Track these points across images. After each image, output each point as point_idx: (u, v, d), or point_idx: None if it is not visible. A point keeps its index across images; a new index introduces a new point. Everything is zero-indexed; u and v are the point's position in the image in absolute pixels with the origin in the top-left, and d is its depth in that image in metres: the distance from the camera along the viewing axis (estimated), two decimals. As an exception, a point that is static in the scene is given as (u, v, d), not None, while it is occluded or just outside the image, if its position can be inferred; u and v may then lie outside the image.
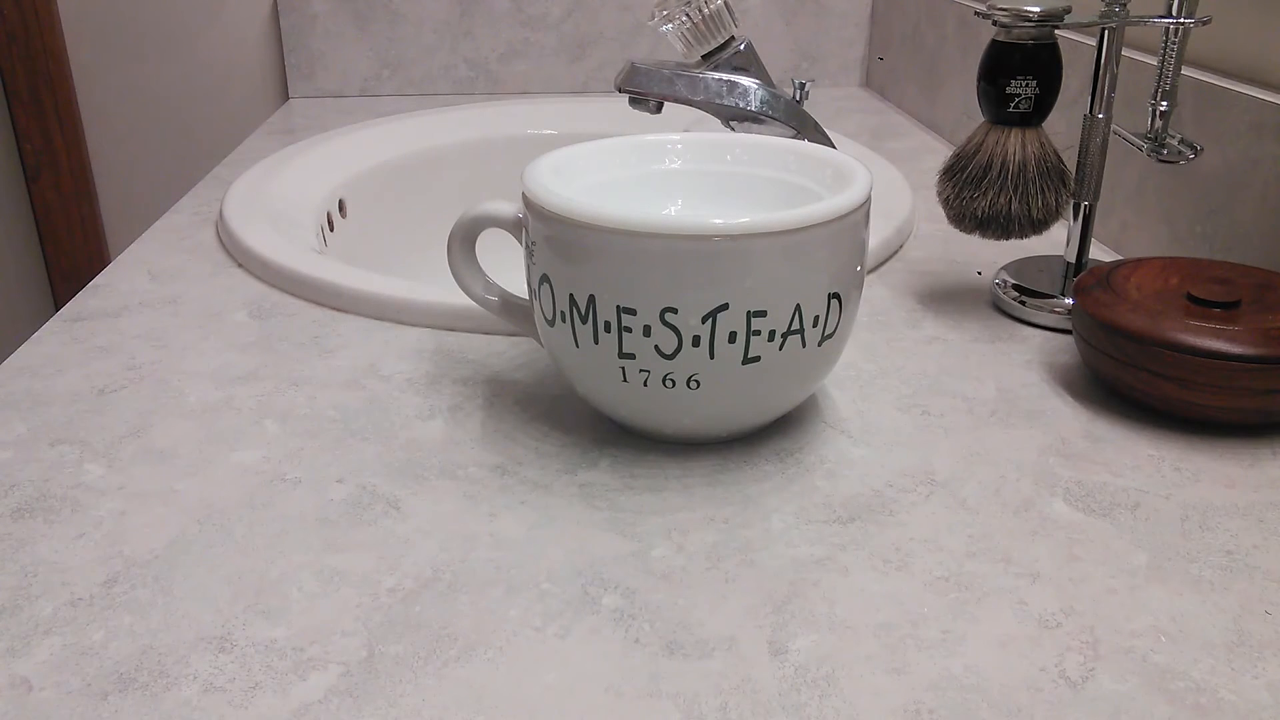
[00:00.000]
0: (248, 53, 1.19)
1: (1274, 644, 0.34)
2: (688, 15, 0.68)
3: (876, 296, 0.62)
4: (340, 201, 0.84)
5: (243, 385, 0.52)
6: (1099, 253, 0.69)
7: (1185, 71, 0.62)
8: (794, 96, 0.77)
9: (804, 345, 0.43)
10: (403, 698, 0.32)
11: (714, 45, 0.70)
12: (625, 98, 0.71)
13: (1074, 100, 0.73)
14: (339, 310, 0.60)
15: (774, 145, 0.51)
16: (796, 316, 0.42)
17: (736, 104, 0.70)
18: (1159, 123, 0.56)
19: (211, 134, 1.22)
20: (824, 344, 0.43)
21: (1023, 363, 0.54)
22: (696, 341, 0.41)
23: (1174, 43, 0.54)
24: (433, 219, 0.91)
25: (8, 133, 1.17)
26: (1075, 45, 0.73)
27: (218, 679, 0.33)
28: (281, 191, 0.78)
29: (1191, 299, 0.48)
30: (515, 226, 0.46)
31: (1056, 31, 0.54)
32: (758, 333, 0.41)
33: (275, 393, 0.51)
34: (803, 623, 0.35)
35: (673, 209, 0.52)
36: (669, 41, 0.71)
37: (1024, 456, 0.45)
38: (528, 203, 0.44)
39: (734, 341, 0.41)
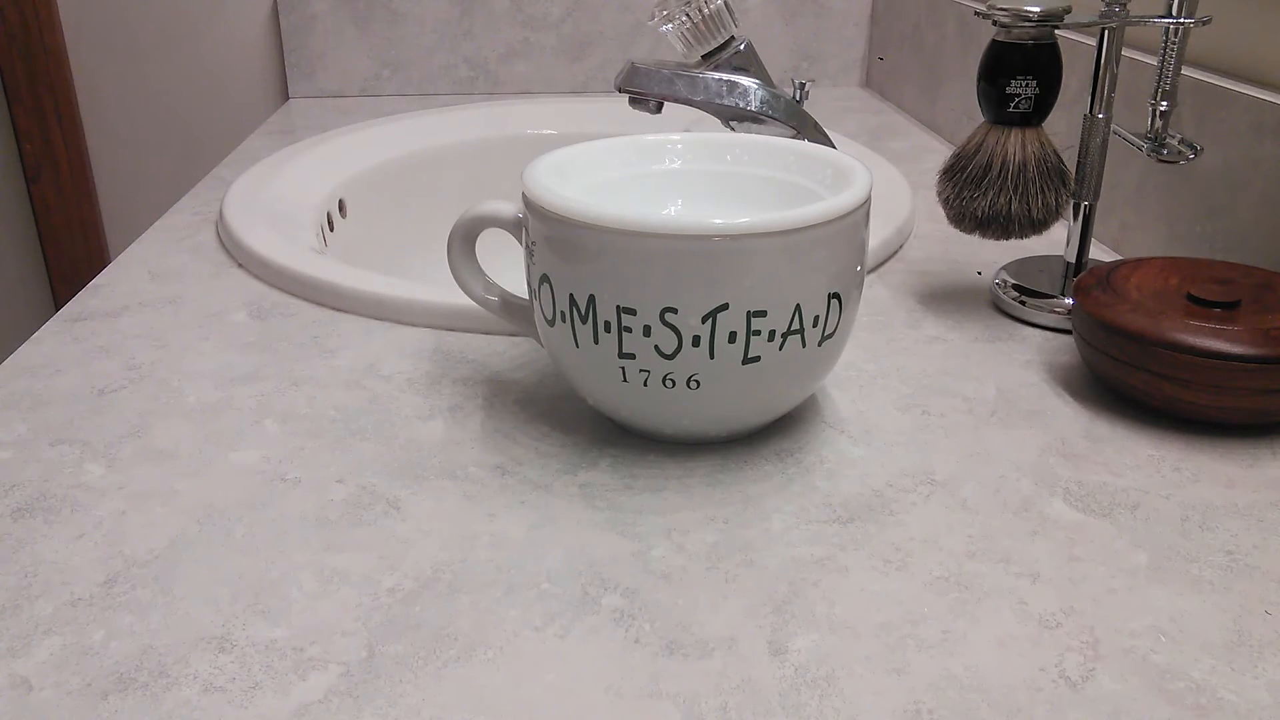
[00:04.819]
0: (248, 53, 1.19)
1: (1274, 644, 0.34)
2: (688, 15, 0.68)
3: (876, 296, 0.62)
4: (340, 201, 0.84)
5: (243, 385, 0.52)
6: (1099, 253, 0.69)
7: (1185, 71, 0.62)
8: (794, 96, 0.77)
9: (804, 345, 0.43)
10: (403, 698, 0.32)
11: (714, 45, 0.70)
12: (625, 98, 0.71)
13: (1074, 100, 0.73)
14: (339, 310, 0.60)
15: (774, 145, 0.51)
16: (796, 316, 0.42)
17: (736, 104, 0.70)
18: (1159, 123, 0.56)
19: (211, 134, 1.22)
20: (824, 344, 0.43)
21: (1023, 363, 0.54)
22: (696, 341, 0.41)
23: (1174, 43, 0.54)
24: (433, 219, 0.91)
25: (8, 133, 1.17)
26: (1075, 45, 0.73)
27: (218, 679, 0.33)
28: (281, 191, 0.78)
29: (1191, 299, 0.48)
30: (515, 226, 0.46)
31: (1056, 31, 0.54)
32: (758, 333, 0.41)
33: (275, 393, 0.51)
34: (803, 623, 0.35)
35: (673, 209, 0.52)
36: (669, 41, 0.71)
37: (1024, 456, 0.45)
38: (528, 203, 0.44)
39: (734, 341, 0.41)
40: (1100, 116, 0.57)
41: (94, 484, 0.44)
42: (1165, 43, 0.54)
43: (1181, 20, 0.53)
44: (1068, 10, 0.53)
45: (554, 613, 0.36)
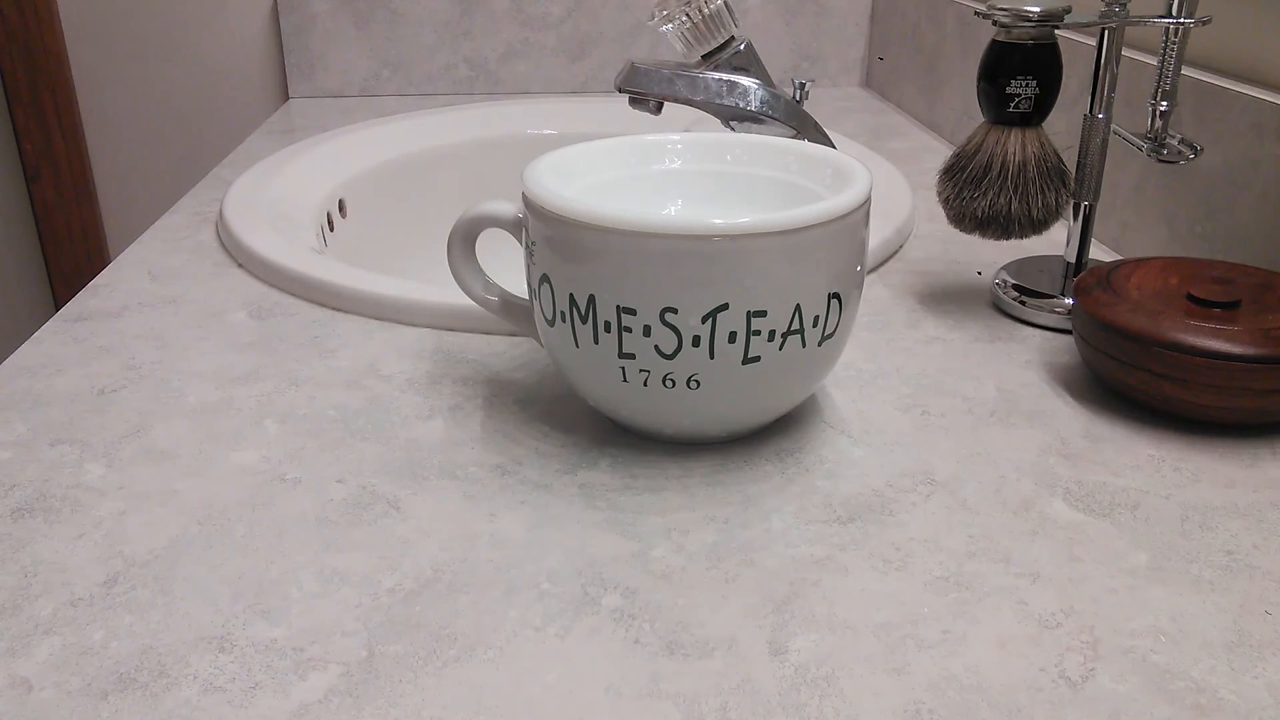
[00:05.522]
0: (248, 53, 1.19)
1: (1274, 644, 0.34)
2: (688, 15, 0.68)
3: (876, 296, 0.62)
4: (340, 201, 0.84)
5: (243, 385, 0.52)
6: (1099, 253, 0.69)
7: (1185, 71, 0.62)
8: (794, 96, 0.77)
9: (804, 345, 0.43)
10: (403, 698, 0.32)
11: (714, 45, 0.70)
12: (625, 98, 0.71)
13: (1074, 100, 0.73)
14: (339, 310, 0.60)
15: (774, 145, 0.51)
16: (796, 316, 0.42)
17: (736, 104, 0.70)
18: (1159, 123, 0.56)
19: (211, 134, 1.22)
20: (824, 344, 0.43)
21: (1023, 363, 0.54)
22: (696, 341, 0.41)
23: (1174, 43, 0.54)
24: (433, 219, 0.91)
25: (8, 133, 1.17)
26: (1075, 45, 0.73)
27: (218, 679, 0.33)
28: (281, 191, 0.78)
29: (1191, 299, 0.48)
30: (515, 226, 0.46)
31: (1056, 31, 0.54)
32: (758, 333, 0.41)
33: (275, 393, 0.51)
34: (803, 623, 0.35)
35: (673, 209, 0.52)
36: (669, 41, 0.71)
37: (1024, 456, 0.45)
38: (528, 203, 0.44)
39: (734, 341, 0.41)
40: (1100, 116, 0.57)
41: (94, 484, 0.44)
42: (1165, 43, 0.54)
43: (1181, 20, 0.53)
44: (1068, 10, 0.53)
45: (554, 613, 0.36)
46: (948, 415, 0.49)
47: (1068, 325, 0.57)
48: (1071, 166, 0.57)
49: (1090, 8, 0.58)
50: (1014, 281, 0.60)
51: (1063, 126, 0.73)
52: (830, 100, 1.13)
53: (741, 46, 0.70)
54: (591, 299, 0.41)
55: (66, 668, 0.34)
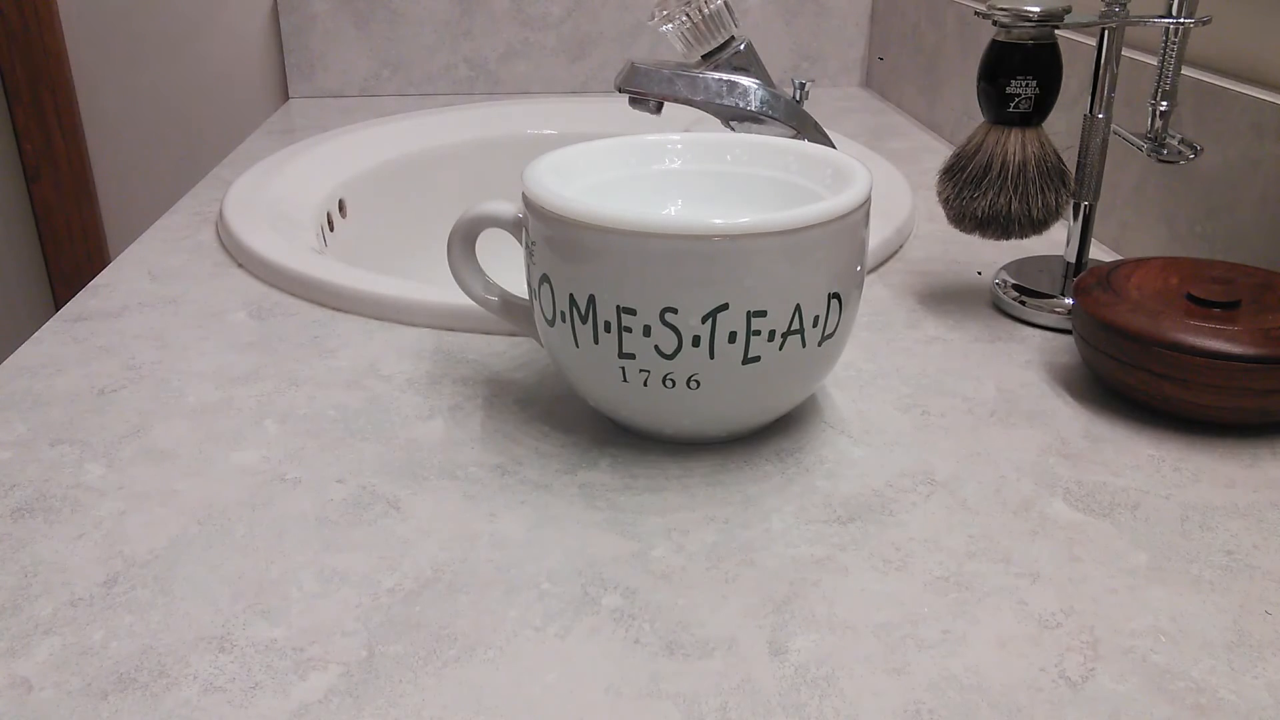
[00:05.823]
0: (248, 53, 1.19)
1: (1274, 644, 0.34)
2: (688, 15, 0.68)
3: (876, 296, 0.62)
4: (340, 201, 0.84)
5: (243, 385, 0.52)
6: (1099, 253, 0.69)
7: (1185, 71, 0.62)
8: (794, 96, 0.77)
9: (804, 345, 0.43)
10: (403, 698, 0.32)
11: (714, 45, 0.70)
12: (625, 98, 0.71)
13: (1074, 100, 0.73)
14: (339, 310, 0.60)
15: (774, 145, 0.51)
16: (796, 316, 0.42)
17: (736, 104, 0.70)
18: (1159, 123, 0.56)
19: (211, 134, 1.22)
20: (824, 344, 0.43)
21: (1023, 363, 0.54)
22: (696, 341, 0.41)
23: (1174, 43, 0.54)
24: (433, 219, 0.91)
25: (8, 133, 1.17)
26: (1075, 45, 0.73)
27: (218, 679, 0.33)
28: (281, 191, 0.78)
29: (1192, 299, 0.48)
30: (515, 226, 0.46)
31: (1056, 31, 0.54)
32: (758, 333, 0.41)
33: (275, 393, 0.51)
34: (803, 623, 0.35)
35: (673, 209, 0.52)
36: (669, 41, 0.71)
37: (1024, 456, 0.45)
38: (528, 203, 0.44)
39: (734, 341, 0.41)
40: (1100, 116, 0.57)
41: (94, 484, 0.44)
42: (1165, 43, 0.54)
43: (1181, 20, 0.53)
44: (1068, 10, 0.53)
45: (554, 613, 0.36)
46: (948, 415, 0.49)
47: (1068, 325, 0.57)
48: (1071, 166, 0.57)
49: (1090, 8, 0.58)
50: (1014, 281, 0.60)
51: (1063, 126, 0.73)
52: (830, 100, 1.13)
53: (741, 46, 0.70)
54: (591, 299, 0.41)
55: (66, 668, 0.34)
